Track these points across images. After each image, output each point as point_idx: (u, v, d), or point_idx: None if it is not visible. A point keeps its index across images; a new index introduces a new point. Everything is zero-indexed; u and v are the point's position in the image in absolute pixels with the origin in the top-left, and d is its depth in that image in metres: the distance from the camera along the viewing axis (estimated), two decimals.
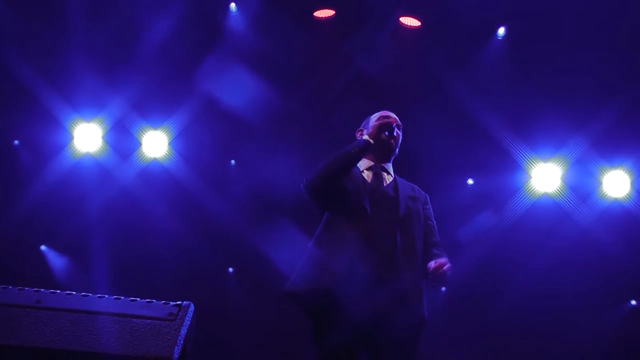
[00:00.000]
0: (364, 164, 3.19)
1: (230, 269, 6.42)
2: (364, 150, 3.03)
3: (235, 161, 6.06)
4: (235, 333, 6.17)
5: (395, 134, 3.14)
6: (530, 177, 5.72)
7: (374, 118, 3.25)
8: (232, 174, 6.06)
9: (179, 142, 5.83)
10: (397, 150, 3.24)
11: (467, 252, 5.47)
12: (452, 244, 5.46)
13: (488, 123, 5.40)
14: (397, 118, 3.24)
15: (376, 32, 5.32)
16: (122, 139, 5.75)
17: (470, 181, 6.01)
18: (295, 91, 5.55)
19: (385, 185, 3.13)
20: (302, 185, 2.99)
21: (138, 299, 2.02)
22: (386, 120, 3.14)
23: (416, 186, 3.25)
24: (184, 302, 2.02)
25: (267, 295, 5.95)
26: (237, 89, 5.32)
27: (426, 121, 5.06)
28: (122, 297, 2.02)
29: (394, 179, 3.20)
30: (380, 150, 3.14)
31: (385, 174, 3.18)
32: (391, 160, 3.25)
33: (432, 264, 2.85)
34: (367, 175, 3.14)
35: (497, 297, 5.72)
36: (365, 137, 3.06)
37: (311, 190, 2.97)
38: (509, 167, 5.69)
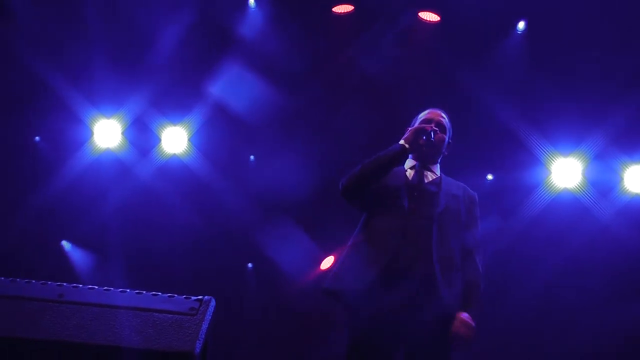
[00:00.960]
0: (408, 162, 3.21)
1: (250, 265, 6.44)
2: (400, 154, 3.02)
3: (254, 157, 6.09)
4: (253, 329, 6.21)
5: (432, 138, 3.08)
6: (550, 173, 5.67)
7: (420, 118, 3.25)
8: (251, 169, 6.08)
9: (199, 137, 5.83)
10: (445, 149, 3.22)
11: (485, 249, 5.43)
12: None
13: (507, 118, 5.36)
14: (441, 119, 3.21)
15: (393, 27, 5.32)
16: (141, 135, 5.78)
17: (489, 177, 5.97)
18: (310, 88, 5.59)
19: (426, 182, 3.12)
20: (338, 188, 3.02)
21: (159, 293, 2.01)
22: (423, 125, 3.10)
23: (464, 185, 3.22)
24: (205, 297, 2.01)
25: (284, 292, 6.10)
26: (247, 89, 5.37)
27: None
28: (144, 292, 2.01)
29: (439, 177, 3.19)
30: (419, 154, 3.15)
31: (429, 172, 3.17)
32: (438, 162, 3.24)
33: (455, 328, 2.78)
34: (410, 173, 3.15)
35: (515, 293, 5.67)
36: (402, 141, 3.03)
37: (347, 195, 3.01)
38: (529, 162, 5.64)
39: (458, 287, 2.91)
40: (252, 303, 6.35)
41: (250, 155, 6.10)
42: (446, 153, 3.24)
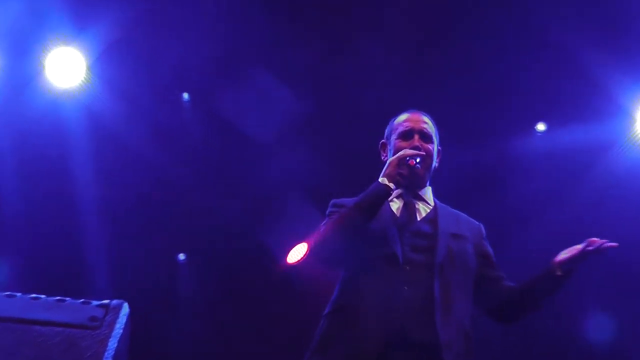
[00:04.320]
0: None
1: (181, 256, 6.67)
2: (383, 197, 3.27)
3: (191, 95, 6.08)
4: (186, 335, 6.55)
5: (418, 165, 3.32)
6: (635, 122, 5.73)
7: (395, 128, 3.54)
8: (186, 115, 6.07)
9: (103, 65, 5.72)
10: (435, 164, 3.52)
11: (541, 220, 5.82)
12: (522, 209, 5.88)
13: (572, 45, 5.40)
14: (423, 126, 3.49)
15: None
16: (15, 62, 5.66)
17: (540, 126, 6.06)
18: None
19: (419, 219, 3.40)
20: (311, 259, 3.44)
21: (43, 296, 2.01)
22: (404, 154, 3.32)
23: (464, 216, 3.53)
24: (114, 302, 2.01)
25: (227, 287, 6.52)
26: None
27: (491, 43, 5.44)
28: (18, 294, 2.00)
29: (434, 208, 3.47)
30: (407, 182, 3.37)
31: (420, 202, 3.46)
32: (427, 183, 3.53)
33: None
34: (397, 206, 3.43)
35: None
36: (381, 178, 3.27)
37: (321, 262, 3.39)
38: (604, 107, 5.66)
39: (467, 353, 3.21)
40: (187, 308, 6.62)
41: (183, 92, 6.08)
42: (437, 165, 3.54)
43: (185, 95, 6.18)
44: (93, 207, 6.22)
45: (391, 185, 3.23)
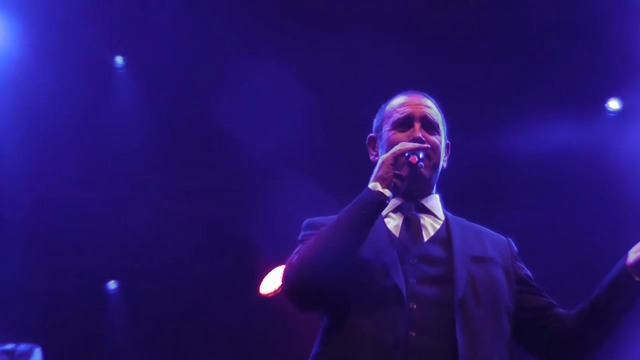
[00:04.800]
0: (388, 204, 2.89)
1: (113, 284, 6.80)
2: (376, 210, 2.70)
3: (128, 59, 6.07)
4: None
5: (421, 163, 2.76)
6: None
7: (388, 113, 2.96)
8: (122, 84, 6.06)
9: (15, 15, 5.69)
10: (444, 163, 2.96)
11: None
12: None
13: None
14: (426, 110, 2.93)
15: None
16: None
17: (613, 104, 6.05)
18: None
19: (427, 238, 2.83)
20: (281, 285, 2.80)
21: None
22: (403, 149, 2.75)
23: (486, 230, 2.95)
24: (21, 346, 1.86)
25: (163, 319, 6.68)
26: None
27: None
28: None
29: (445, 222, 2.89)
30: (404, 190, 2.83)
31: (426, 216, 2.89)
32: (433, 188, 2.95)
33: None
34: (395, 223, 2.87)
35: None
36: (372, 183, 2.70)
37: (294, 302, 2.74)
38: None
39: None
40: (118, 343, 6.77)
41: (116, 55, 6.02)
42: (445, 165, 2.97)
43: (119, 60, 6.09)
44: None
45: (386, 192, 2.67)
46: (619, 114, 6.11)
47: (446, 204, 2.97)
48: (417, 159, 2.72)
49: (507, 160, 6.11)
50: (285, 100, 6.01)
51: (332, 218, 2.75)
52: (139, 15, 5.79)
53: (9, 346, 1.78)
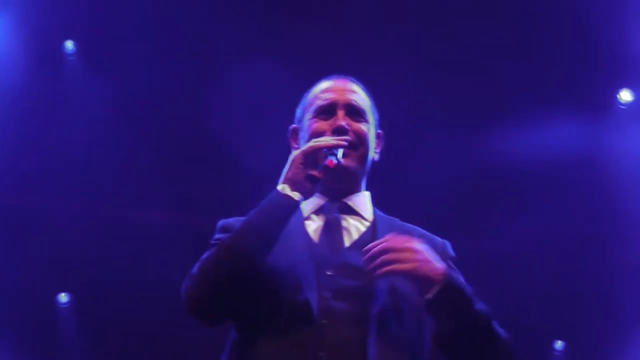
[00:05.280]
0: (308, 202, 2.64)
1: (64, 297, 6.71)
2: (286, 216, 2.47)
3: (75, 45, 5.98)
4: None
5: (339, 161, 2.47)
6: None
7: (310, 101, 2.74)
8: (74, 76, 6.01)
9: None
10: (375, 155, 2.72)
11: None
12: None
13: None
14: (351, 96, 2.69)
15: None
16: None
17: (625, 95, 5.99)
18: None
19: (349, 244, 2.58)
20: (181, 295, 2.54)
21: None
22: (316, 145, 2.50)
23: (420, 232, 2.66)
24: None
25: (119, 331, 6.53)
26: None
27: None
28: None
29: (372, 225, 2.64)
30: (322, 187, 2.59)
31: (351, 217, 2.64)
32: (361, 185, 2.70)
33: None
34: (315, 226, 2.62)
35: None
36: (281, 185, 2.46)
37: (198, 316, 2.50)
38: None
39: None
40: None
41: (67, 40, 5.90)
42: (377, 157, 2.74)
43: (69, 45, 5.95)
44: None
45: (295, 195, 2.44)
46: (618, 113, 6.11)
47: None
48: (334, 162, 2.43)
49: (507, 161, 5.97)
50: (280, 103, 5.89)
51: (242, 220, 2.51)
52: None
53: None
